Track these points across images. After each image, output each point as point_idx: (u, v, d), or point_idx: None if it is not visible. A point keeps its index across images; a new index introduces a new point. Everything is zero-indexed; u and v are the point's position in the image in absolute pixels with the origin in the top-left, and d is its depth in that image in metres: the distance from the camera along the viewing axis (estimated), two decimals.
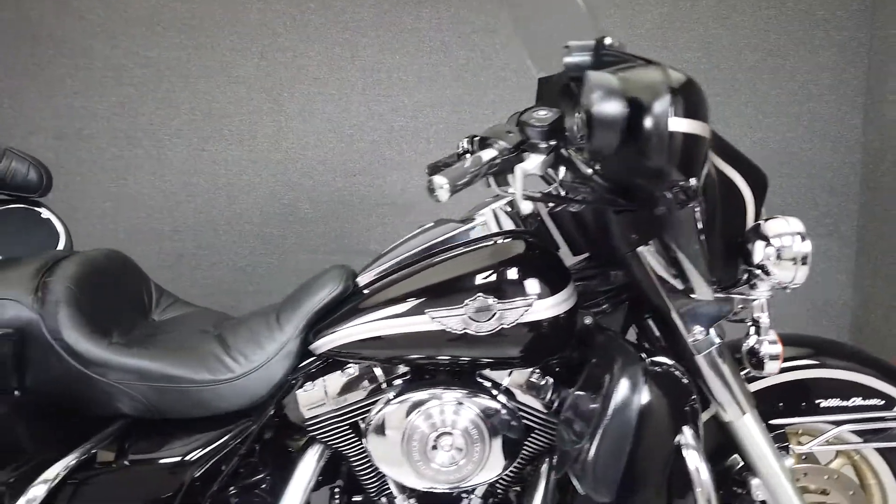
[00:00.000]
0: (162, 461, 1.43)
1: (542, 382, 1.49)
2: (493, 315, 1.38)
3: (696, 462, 1.32)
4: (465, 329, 1.39)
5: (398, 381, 1.50)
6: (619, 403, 1.25)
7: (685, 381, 1.35)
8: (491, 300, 1.38)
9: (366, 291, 1.51)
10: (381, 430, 1.44)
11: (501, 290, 1.39)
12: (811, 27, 2.96)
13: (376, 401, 1.48)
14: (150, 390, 1.44)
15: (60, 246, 1.81)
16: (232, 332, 1.54)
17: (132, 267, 1.69)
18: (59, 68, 2.99)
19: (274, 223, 3.12)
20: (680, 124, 1.08)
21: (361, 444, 1.52)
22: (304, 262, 3.13)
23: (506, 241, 1.47)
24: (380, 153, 3.09)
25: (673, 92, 1.07)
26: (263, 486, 1.59)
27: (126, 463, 1.42)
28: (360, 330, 1.45)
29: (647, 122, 1.07)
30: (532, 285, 1.39)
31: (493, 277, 1.40)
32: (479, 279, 1.40)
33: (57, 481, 1.34)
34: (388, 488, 1.56)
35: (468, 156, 1.58)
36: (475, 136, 1.85)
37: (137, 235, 3.08)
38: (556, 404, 1.49)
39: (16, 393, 1.41)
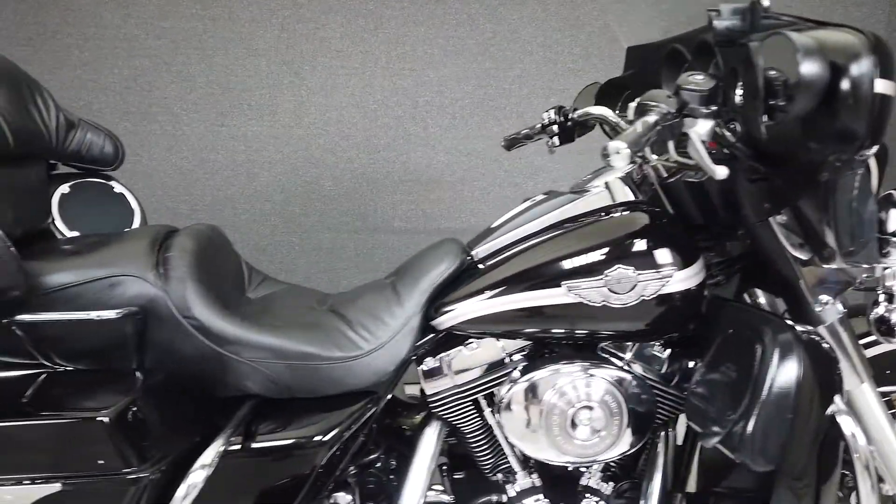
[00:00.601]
0: (293, 442, 1.37)
1: (663, 355, 1.48)
2: (634, 287, 1.36)
3: (851, 428, 1.33)
4: (603, 301, 1.36)
5: (518, 356, 1.47)
6: (776, 373, 1.23)
7: (826, 347, 1.34)
8: (631, 271, 1.35)
9: (481, 266, 1.47)
10: (515, 406, 1.41)
11: (641, 261, 1.36)
12: (831, 3, 3.01)
13: (500, 376, 1.46)
14: (283, 368, 1.38)
15: (136, 222, 1.72)
16: (348, 307, 1.48)
17: (228, 242, 1.61)
18: (66, 38, 2.83)
19: (295, 201, 3.03)
20: (880, 85, 1.07)
21: (482, 420, 1.49)
22: (327, 241, 3.06)
23: (631, 212, 1.45)
24: (404, 129, 3.02)
25: (875, 52, 1.06)
26: (378, 464, 1.55)
27: (257, 445, 1.35)
28: (491, 304, 1.41)
29: (852, 85, 1.05)
30: (670, 256, 1.36)
31: (632, 248, 1.37)
32: (617, 250, 1.37)
33: (214, 466, 1.27)
34: (505, 464, 1.54)
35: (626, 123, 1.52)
36: (561, 107, 1.82)
37: (152, 214, 2.84)
38: (676, 377, 1.48)
39: (137, 374, 1.34)
